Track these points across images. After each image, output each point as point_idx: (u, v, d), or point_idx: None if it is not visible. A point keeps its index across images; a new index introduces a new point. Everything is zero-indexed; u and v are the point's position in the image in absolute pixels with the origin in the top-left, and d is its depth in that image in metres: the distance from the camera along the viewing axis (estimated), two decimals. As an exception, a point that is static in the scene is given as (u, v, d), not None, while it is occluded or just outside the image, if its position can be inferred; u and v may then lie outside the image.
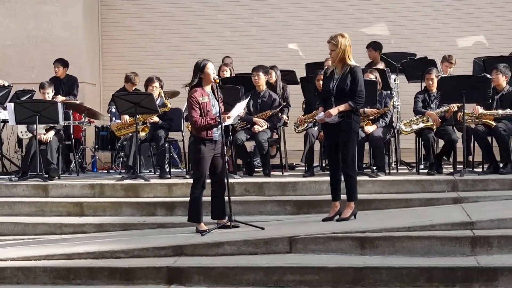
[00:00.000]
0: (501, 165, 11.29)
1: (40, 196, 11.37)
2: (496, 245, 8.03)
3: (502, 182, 10.50)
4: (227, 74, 13.25)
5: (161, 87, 12.40)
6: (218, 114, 9.07)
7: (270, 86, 12.47)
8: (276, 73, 12.79)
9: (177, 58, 15.51)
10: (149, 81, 12.29)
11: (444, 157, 12.00)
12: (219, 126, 9.06)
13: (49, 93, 12.87)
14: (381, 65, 13.07)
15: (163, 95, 12.36)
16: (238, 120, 10.87)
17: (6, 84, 13.58)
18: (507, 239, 8.06)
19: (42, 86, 12.84)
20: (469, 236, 8.18)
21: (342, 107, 9.07)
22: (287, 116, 12.61)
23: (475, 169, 11.43)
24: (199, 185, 9.08)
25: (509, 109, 11.18)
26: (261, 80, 12.13)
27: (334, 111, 9.07)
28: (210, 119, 9.02)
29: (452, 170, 11.39)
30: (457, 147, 11.60)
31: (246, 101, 10.22)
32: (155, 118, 12.12)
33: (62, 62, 14.27)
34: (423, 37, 15.24)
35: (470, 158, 11.70)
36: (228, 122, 9.40)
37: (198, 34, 16.06)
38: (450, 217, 8.92)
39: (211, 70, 9.13)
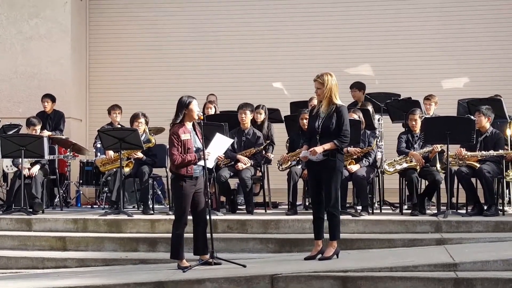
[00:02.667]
0: (485, 207, 11.28)
1: (23, 230, 11.34)
2: (479, 287, 8.00)
3: (486, 224, 10.52)
4: (211, 111, 13.30)
5: (147, 123, 12.44)
6: (198, 151, 9.09)
7: (254, 124, 12.51)
8: (265, 112, 12.86)
9: (163, 94, 15.54)
10: (134, 117, 12.34)
11: (427, 198, 12.00)
12: (201, 163, 9.08)
13: (39, 130, 12.90)
14: (369, 106, 13.06)
15: (147, 131, 12.38)
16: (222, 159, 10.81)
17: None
18: (490, 281, 8.03)
19: (32, 124, 12.82)
20: (452, 278, 8.15)
21: (327, 146, 9.08)
22: (272, 154, 12.64)
23: (459, 211, 11.48)
24: (181, 222, 9.06)
25: (492, 151, 11.24)
26: (247, 118, 12.19)
27: (319, 149, 9.08)
28: (190, 156, 9.02)
29: (435, 211, 11.43)
30: (441, 188, 11.63)
31: (229, 141, 10.05)
32: (139, 154, 12.14)
33: (51, 97, 14.36)
34: (407, 78, 15.33)
35: (454, 199, 11.74)
36: (209, 164, 9.29)
37: (183, 72, 16.13)
38: (433, 258, 8.90)
39: (196, 107, 9.15)
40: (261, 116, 12.76)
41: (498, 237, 10.11)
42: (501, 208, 11.46)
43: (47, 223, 11.40)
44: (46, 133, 13.57)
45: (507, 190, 11.88)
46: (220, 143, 9.58)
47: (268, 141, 12.42)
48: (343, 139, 9.15)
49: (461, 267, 8.48)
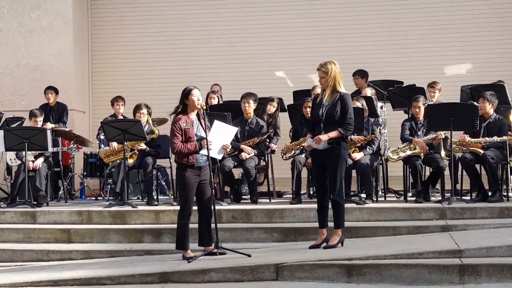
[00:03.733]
0: (489, 193, 11.28)
1: (28, 223, 11.33)
2: (485, 273, 8.02)
3: (491, 210, 10.50)
4: (214, 101, 13.29)
5: (149, 114, 12.43)
6: (200, 140, 9.08)
7: (258, 114, 12.46)
8: (278, 104, 12.85)
9: (165, 85, 15.56)
10: (137, 108, 12.33)
11: (431, 185, 11.99)
12: (203, 153, 9.07)
13: (41, 121, 12.90)
14: (369, 90, 13.05)
15: (151, 122, 12.38)
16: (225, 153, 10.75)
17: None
18: (495, 267, 8.05)
19: (34, 115, 12.82)
20: (457, 264, 8.16)
21: (332, 134, 9.08)
22: (275, 144, 12.61)
23: (463, 197, 11.46)
24: (185, 212, 9.07)
25: (496, 137, 11.22)
26: (250, 108, 12.16)
27: (324, 137, 9.07)
28: (190, 145, 9.02)
29: (440, 198, 11.42)
30: (445, 174, 11.62)
31: (233, 129, 9.97)
32: (143, 145, 12.13)
33: (54, 89, 14.36)
34: (410, 65, 15.30)
35: (458, 186, 11.73)
36: (213, 154, 9.25)
37: (186, 62, 16.12)
38: (438, 245, 8.90)
39: (196, 97, 9.13)
40: (273, 109, 12.76)
41: (503, 223, 10.10)
42: (505, 194, 11.44)
43: (52, 216, 11.39)
44: (49, 125, 13.57)
45: (511, 176, 11.86)
46: (221, 131, 9.51)
47: (272, 130, 12.38)
48: (348, 127, 9.15)
49: (466, 254, 8.48)
